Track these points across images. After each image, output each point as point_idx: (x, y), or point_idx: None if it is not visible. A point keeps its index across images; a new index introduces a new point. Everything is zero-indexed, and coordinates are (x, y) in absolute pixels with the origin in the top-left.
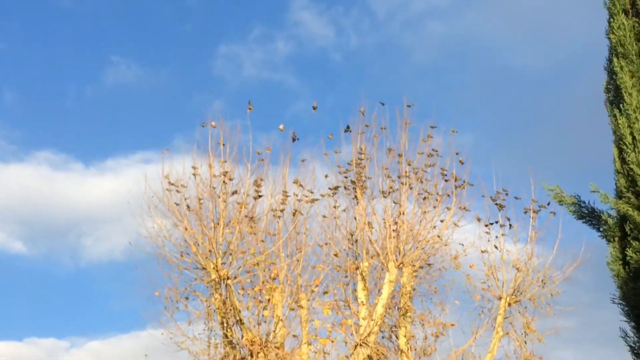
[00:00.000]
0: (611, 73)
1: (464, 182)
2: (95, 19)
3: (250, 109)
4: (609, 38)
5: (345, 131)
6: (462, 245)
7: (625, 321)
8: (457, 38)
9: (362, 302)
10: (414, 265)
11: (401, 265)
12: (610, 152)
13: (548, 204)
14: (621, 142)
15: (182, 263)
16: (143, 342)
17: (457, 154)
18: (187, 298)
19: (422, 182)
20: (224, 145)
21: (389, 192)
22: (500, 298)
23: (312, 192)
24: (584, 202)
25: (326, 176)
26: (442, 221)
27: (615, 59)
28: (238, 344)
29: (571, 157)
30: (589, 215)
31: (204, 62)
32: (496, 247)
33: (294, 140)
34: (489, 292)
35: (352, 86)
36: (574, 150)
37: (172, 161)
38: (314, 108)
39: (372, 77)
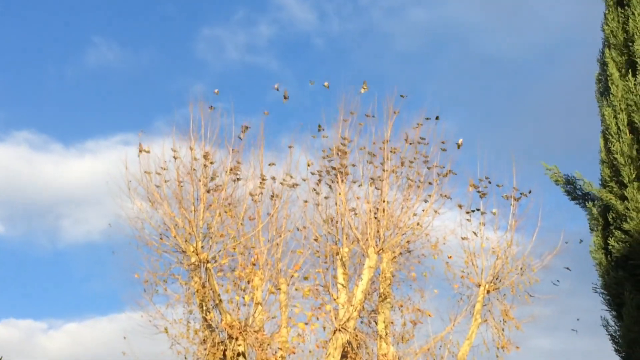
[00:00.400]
0: (603, 64)
1: (448, 170)
2: None
3: (285, 98)
4: (602, 30)
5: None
6: (443, 237)
7: (607, 310)
8: (439, 25)
9: (342, 285)
10: (393, 252)
11: (381, 251)
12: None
13: (529, 192)
14: (607, 133)
15: (161, 246)
16: (121, 325)
17: (443, 142)
18: (165, 281)
19: (403, 165)
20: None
21: (372, 179)
22: (479, 285)
23: (291, 177)
24: (579, 185)
25: (309, 165)
26: (423, 210)
27: (607, 50)
28: (217, 328)
29: (556, 145)
30: (582, 198)
31: (186, 44)
32: (475, 234)
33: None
34: (468, 280)
35: (334, 71)
36: (558, 139)
37: (151, 143)
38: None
39: (354, 62)
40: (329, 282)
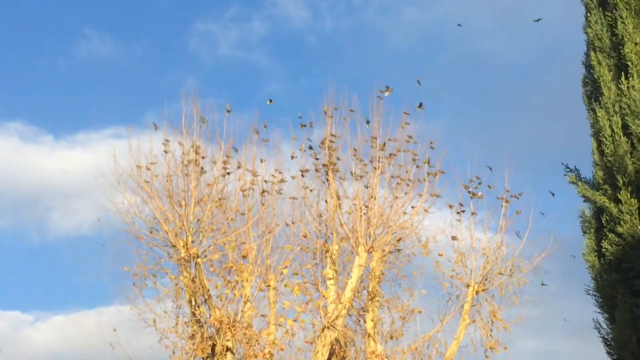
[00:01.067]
0: (588, 67)
1: (438, 170)
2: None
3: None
4: (586, 32)
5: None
6: (433, 237)
7: (599, 312)
8: (432, 24)
9: (331, 282)
10: (383, 250)
11: (371, 249)
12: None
13: (520, 194)
14: (600, 135)
15: (151, 240)
16: (109, 318)
17: (431, 143)
18: (155, 276)
19: (391, 165)
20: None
21: (361, 176)
22: (468, 286)
23: (280, 173)
24: (593, 185)
25: (293, 157)
26: (413, 207)
27: (592, 53)
28: (206, 323)
29: (547, 146)
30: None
31: (179, 39)
32: (455, 238)
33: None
34: (458, 280)
35: (326, 69)
36: (550, 140)
37: (141, 137)
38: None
39: (346, 60)
40: (318, 279)
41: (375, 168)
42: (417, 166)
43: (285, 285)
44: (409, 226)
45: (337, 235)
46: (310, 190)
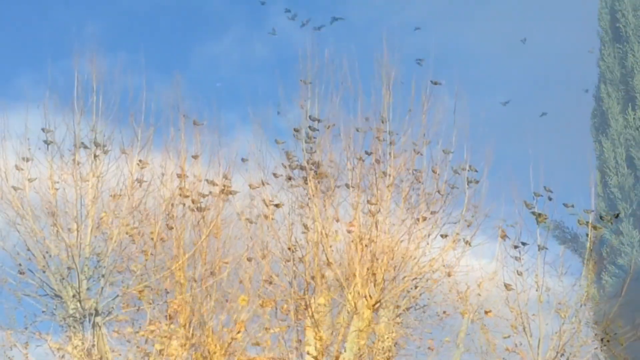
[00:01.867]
0: (598, 99)
1: (438, 191)
2: (69, 10)
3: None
4: (599, 66)
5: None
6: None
7: (598, 346)
8: (435, 52)
9: (314, 358)
10: (397, 306)
11: (377, 304)
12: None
13: (516, 223)
14: (604, 166)
15: (20, 285)
16: None
17: (434, 171)
18: (26, 344)
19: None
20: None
21: (364, 191)
22: (463, 314)
23: (228, 179)
24: (567, 228)
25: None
26: (426, 242)
27: (602, 85)
28: (200, 347)
29: (548, 177)
30: (571, 241)
31: (180, 60)
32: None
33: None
34: (452, 308)
35: (327, 94)
36: (551, 171)
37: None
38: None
39: (347, 86)
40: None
41: (374, 197)
42: (428, 193)
43: None
44: (440, 267)
45: (322, 281)
46: (276, 205)
